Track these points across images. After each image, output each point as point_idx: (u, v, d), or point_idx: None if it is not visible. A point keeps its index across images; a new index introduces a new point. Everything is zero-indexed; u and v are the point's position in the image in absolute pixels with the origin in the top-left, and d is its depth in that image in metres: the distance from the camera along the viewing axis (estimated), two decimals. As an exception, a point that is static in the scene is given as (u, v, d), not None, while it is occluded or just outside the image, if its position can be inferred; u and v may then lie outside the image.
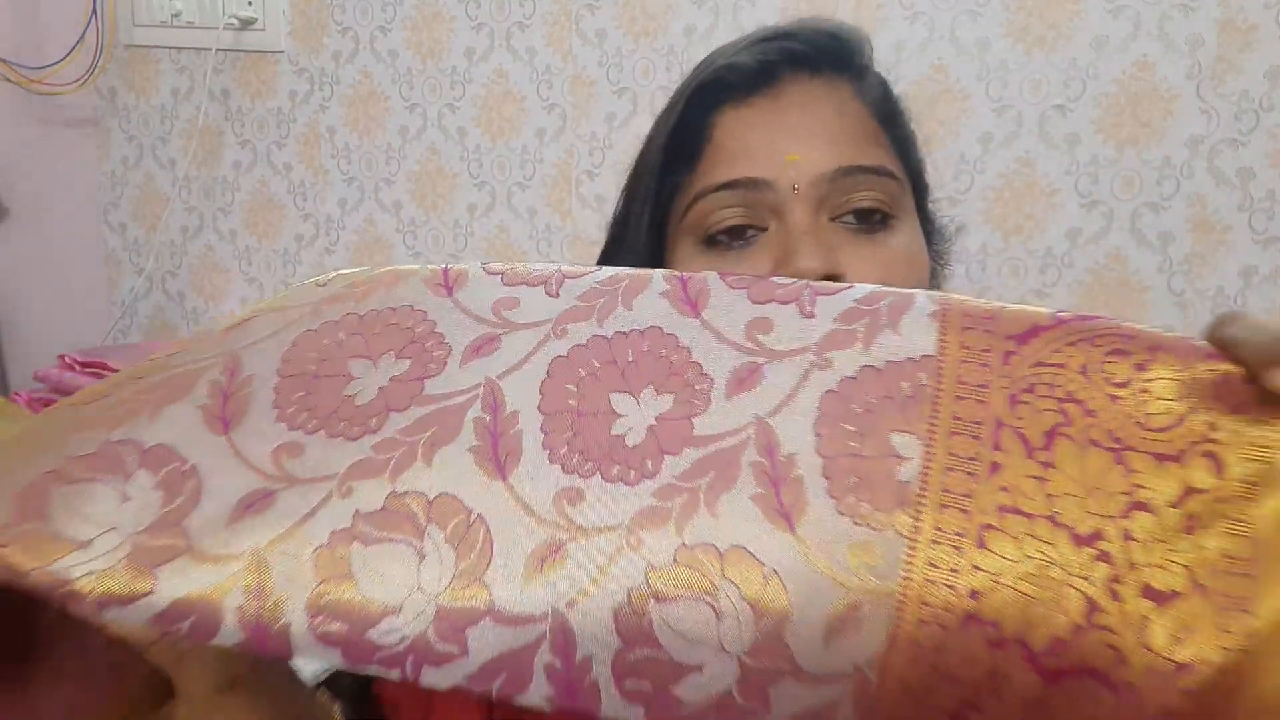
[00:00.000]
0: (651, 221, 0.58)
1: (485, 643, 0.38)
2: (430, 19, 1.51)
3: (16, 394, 1.45)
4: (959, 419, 0.41)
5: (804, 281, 0.45)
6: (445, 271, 0.48)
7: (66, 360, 1.45)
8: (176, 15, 1.63)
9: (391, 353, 0.45)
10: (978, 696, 0.38)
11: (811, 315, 0.44)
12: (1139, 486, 0.39)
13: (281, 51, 1.61)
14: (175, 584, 0.38)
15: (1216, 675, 0.37)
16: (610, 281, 0.47)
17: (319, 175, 1.63)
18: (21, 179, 1.80)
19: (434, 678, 0.38)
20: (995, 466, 0.40)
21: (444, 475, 0.41)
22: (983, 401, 0.42)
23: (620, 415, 0.43)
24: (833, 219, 0.54)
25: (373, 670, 0.38)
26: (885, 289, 0.45)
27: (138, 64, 1.70)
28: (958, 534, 0.39)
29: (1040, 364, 0.42)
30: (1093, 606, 0.38)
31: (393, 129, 1.57)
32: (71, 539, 0.38)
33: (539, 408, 0.43)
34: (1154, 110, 1.24)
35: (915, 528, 0.39)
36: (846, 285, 0.45)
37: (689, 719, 0.38)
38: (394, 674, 0.38)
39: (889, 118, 0.59)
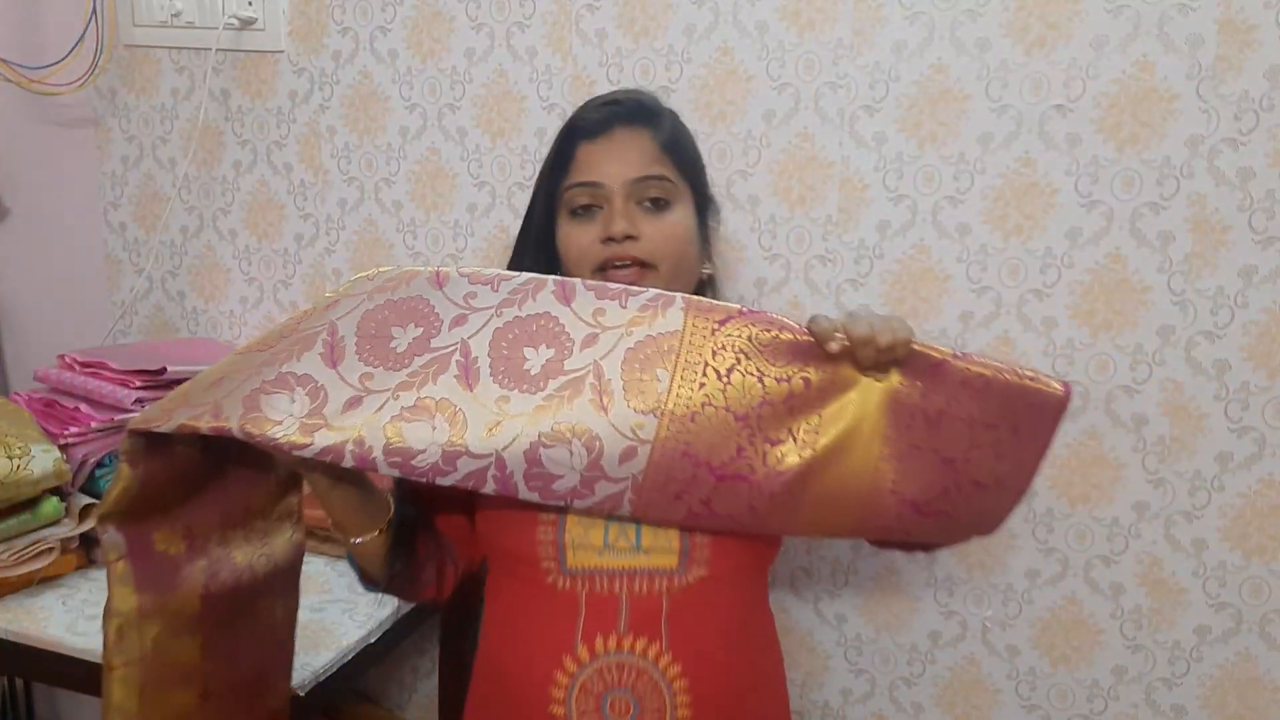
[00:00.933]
0: (546, 203, 1.01)
1: (464, 465, 0.82)
2: (430, 19, 1.51)
3: (16, 394, 1.45)
4: (687, 362, 0.85)
5: (623, 287, 0.87)
6: (437, 274, 0.88)
7: (66, 360, 1.45)
8: (176, 15, 1.63)
9: (412, 324, 0.86)
10: (687, 487, 0.85)
11: (625, 307, 0.86)
12: (767, 393, 0.85)
13: (281, 51, 1.61)
14: (321, 440, 0.81)
15: (794, 475, 0.85)
16: (525, 284, 0.87)
17: (319, 175, 1.63)
18: (21, 179, 1.80)
19: (442, 480, 0.83)
20: (702, 385, 0.84)
21: (443, 389, 0.84)
22: (700, 354, 0.85)
23: (527, 359, 0.85)
24: (637, 203, 0.97)
25: (413, 478, 0.83)
26: (664, 292, 0.87)
27: (138, 64, 1.70)
28: (682, 417, 0.84)
29: (729, 334, 0.86)
30: (741, 448, 0.85)
31: (393, 129, 1.57)
32: (273, 420, 0.81)
33: (488, 354, 0.85)
34: (1154, 110, 1.24)
35: (661, 413, 0.84)
36: (644, 289, 0.87)
37: (557, 498, 0.85)
38: (423, 480, 0.83)
39: (671, 147, 1.00)
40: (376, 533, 0.92)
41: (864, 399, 0.87)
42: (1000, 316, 1.33)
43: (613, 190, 0.95)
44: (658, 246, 0.95)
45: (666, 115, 1.02)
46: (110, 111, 1.73)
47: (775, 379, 0.85)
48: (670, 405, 0.83)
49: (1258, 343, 1.25)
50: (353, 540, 0.93)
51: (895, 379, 0.87)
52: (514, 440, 0.82)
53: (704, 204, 1.04)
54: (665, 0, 1.39)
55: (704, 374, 0.84)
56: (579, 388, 0.83)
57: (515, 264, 1.04)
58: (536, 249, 1.02)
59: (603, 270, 0.96)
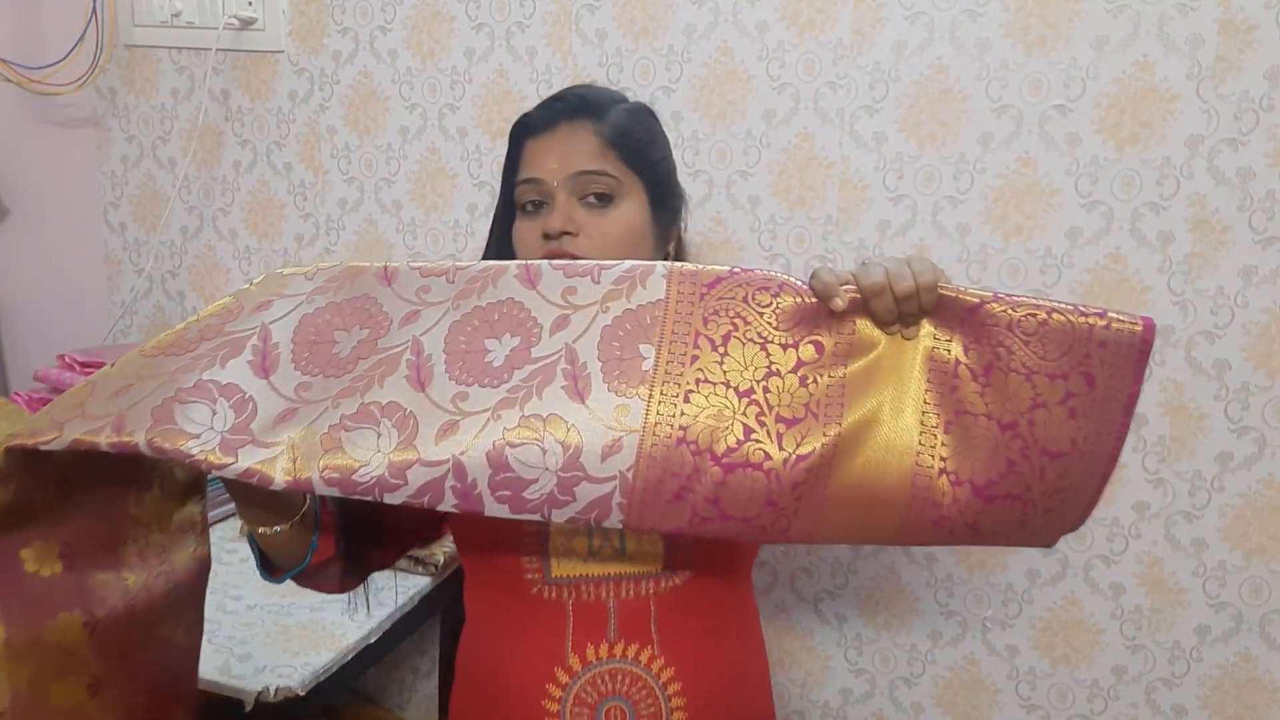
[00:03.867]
0: (505, 203, 0.99)
1: (415, 476, 0.71)
2: (430, 19, 1.51)
3: (16, 394, 1.45)
4: (675, 333, 0.74)
5: (596, 262, 0.77)
6: (385, 269, 0.77)
7: (66, 360, 1.45)
8: (176, 15, 1.63)
9: (358, 325, 0.76)
10: (688, 483, 0.72)
11: (599, 281, 0.76)
12: (773, 362, 0.74)
13: (281, 51, 1.61)
14: (246, 458, 0.70)
15: (819, 459, 0.72)
16: (484, 271, 0.77)
17: (319, 175, 1.63)
18: (21, 179, 1.80)
19: (389, 498, 0.71)
20: (694, 358, 0.74)
21: (390, 391, 0.73)
22: (689, 322, 0.74)
23: (489, 351, 0.75)
24: (579, 199, 0.92)
25: (356, 497, 0.71)
26: (643, 263, 0.77)
27: (138, 64, 1.70)
28: (673, 397, 0.73)
29: (720, 298, 0.75)
30: (749, 429, 0.72)
31: (393, 129, 1.57)
32: (188, 434, 0.69)
33: (443, 350, 0.75)
34: (1154, 110, 1.24)
35: (649, 395, 0.73)
36: (619, 261, 0.77)
37: (532, 509, 0.72)
38: (368, 498, 0.71)
39: (618, 141, 0.94)
40: (286, 525, 0.83)
41: (895, 360, 0.74)
42: (1000, 316, 1.33)
43: (553, 186, 0.92)
44: (597, 244, 0.89)
45: (615, 108, 0.97)
46: (110, 111, 1.73)
47: (781, 344, 0.73)
48: (659, 385, 0.72)
49: (1258, 343, 1.25)
50: (259, 531, 0.84)
51: (928, 332, 0.74)
52: (474, 441, 0.71)
53: (663, 197, 0.97)
54: (665, 0, 1.39)
55: (695, 344, 0.73)
56: (549, 375, 0.73)
57: None
58: (499, 251, 0.99)
59: None
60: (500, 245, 0.99)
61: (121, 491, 0.79)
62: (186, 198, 1.71)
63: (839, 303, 0.73)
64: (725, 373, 0.73)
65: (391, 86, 1.56)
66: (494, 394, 0.73)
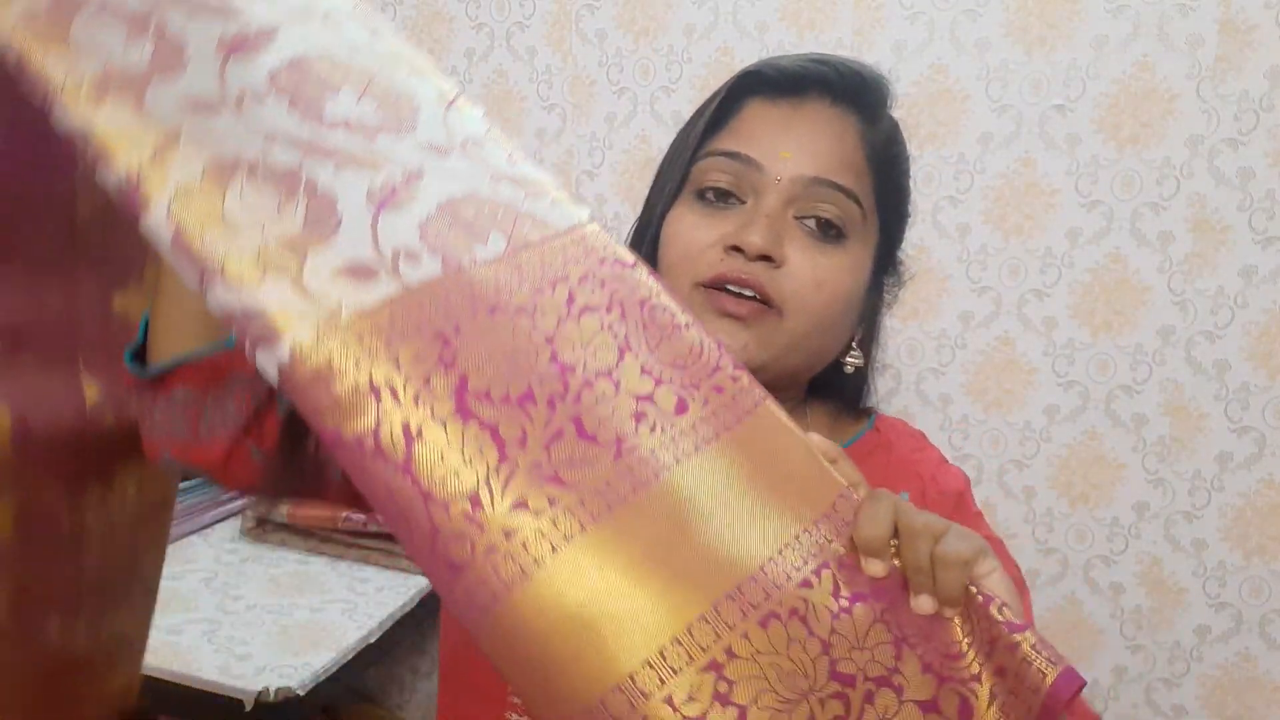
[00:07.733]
0: (671, 175, 0.67)
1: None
2: (430, 19, 1.51)
3: (16, 394, 1.45)
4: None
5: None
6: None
7: (66, 360, 1.44)
8: (176, 15, 1.63)
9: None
10: None
11: None
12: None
13: (281, 51, 1.61)
14: (116, 115, 0.41)
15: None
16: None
17: (319, 175, 1.63)
18: (21, 179, 1.80)
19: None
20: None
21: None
22: None
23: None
24: (797, 217, 0.63)
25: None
26: None
27: (138, 64, 1.70)
28: None
29: None
30: None
31: (393, 129, 1.57)
32: (68, 49, 0.41)
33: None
34: (1154, 110, 1.24)
35: None
36: None
37: None
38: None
39: (881, 162, 0.66)
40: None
41: None
42: (1000, 316, 1.33)
43: (770, 181, 0.63)
44: (800, 288, 0.62)
45: (888, 111, 0.69)
46: (110, 111, 1.73)
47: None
48: None
49: (1258, 343, 1.25)
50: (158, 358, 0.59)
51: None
52: None
53: (889, 259, 0.71)
54: (665, 0, 1.39)
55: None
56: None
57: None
58: (649, 243, 0.68)
59: (711, 289, 0.63)
60: (651, 237, 0.68)
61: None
62: (186, 198, 1.71)
63: (878, 567, 0.48)
64: None
65: (391, 86, 1.56)
66: None
